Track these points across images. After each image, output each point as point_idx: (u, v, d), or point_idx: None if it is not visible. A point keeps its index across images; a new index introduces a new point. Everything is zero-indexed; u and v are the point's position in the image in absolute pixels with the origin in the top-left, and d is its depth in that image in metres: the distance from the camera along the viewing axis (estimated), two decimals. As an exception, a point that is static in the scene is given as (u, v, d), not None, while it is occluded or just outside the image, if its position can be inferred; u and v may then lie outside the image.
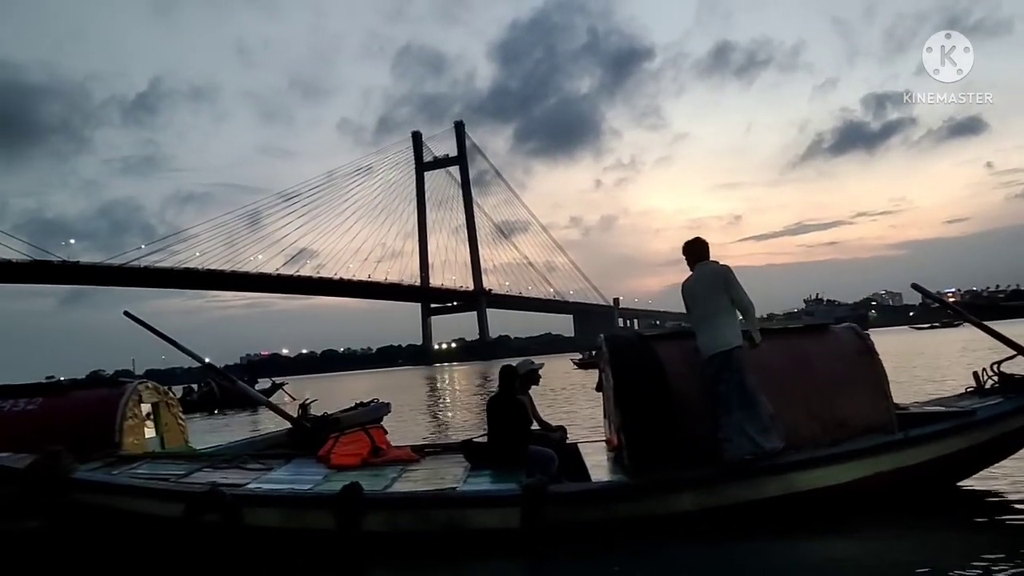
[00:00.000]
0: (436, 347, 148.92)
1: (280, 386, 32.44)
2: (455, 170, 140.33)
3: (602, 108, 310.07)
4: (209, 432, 16.52)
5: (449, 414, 20.20)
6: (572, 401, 18.22)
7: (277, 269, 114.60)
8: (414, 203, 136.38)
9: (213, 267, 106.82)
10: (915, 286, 7.31)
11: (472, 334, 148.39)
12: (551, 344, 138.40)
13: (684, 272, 5.62)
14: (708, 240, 5.60)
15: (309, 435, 8.21)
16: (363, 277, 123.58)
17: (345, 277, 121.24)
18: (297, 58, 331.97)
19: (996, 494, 5.62)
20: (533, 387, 6.69)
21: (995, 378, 6.12)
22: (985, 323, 6.51)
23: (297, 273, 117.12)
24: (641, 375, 5.45)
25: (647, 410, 5.30)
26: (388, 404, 10.64)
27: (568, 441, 6.58)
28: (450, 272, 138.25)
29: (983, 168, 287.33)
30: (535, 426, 6.48)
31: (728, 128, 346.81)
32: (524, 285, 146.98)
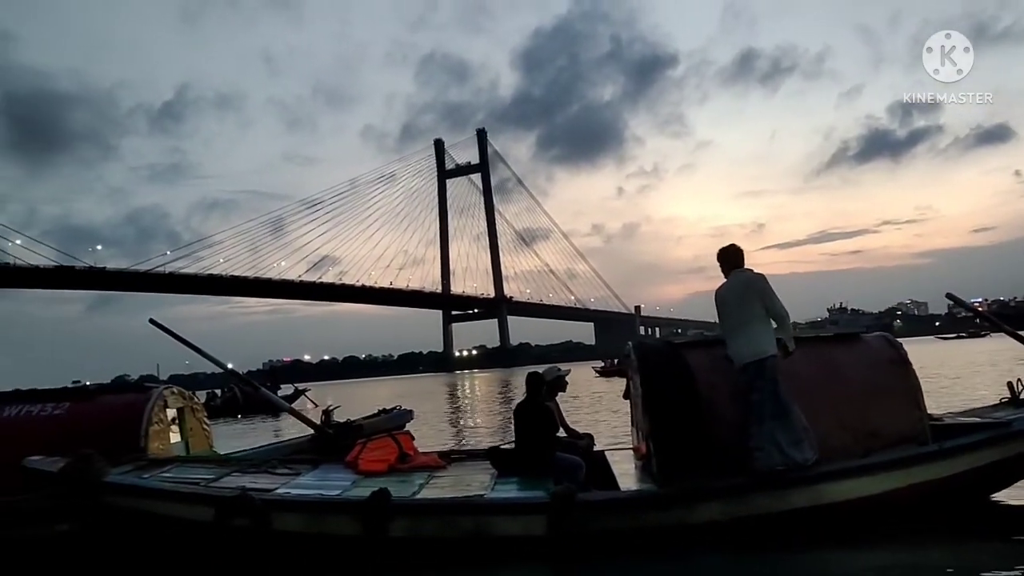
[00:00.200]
0: (457, 354, 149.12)
1: (302, 392, 32.53)
2: (477, 177, 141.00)
3: (625, 115, 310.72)
4: (233, 437, 16.62)
5: (471, 421, 20.18)
6: (596, 409, 18.13)
7: (300, 276, 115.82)
8: (436, 210, 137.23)
9: (237, 273, 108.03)
10: (950, 296, 7.20)
11: (493, 341, 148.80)
12: (572, 352, 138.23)
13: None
14: None
15: (332, 441, 8.22)
16: (385, 284, 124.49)
17: (367, 284, 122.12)
18: (322, 66, 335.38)
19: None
20: (560, 394, 6.65)
21: None
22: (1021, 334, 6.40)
23: (320, 280, 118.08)
24: (670, 383, 5.41)
25: (676, 419, 5.25)
26: (411, 411, 10.60)
27: (595, 449, 6.54)
28: (471, 279, 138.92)
29: (1011, 176, 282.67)
30: (562, 433, 6.45)
31: (752, 136, 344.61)
32: (545, 292, 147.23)
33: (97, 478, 5.02)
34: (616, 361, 47.77)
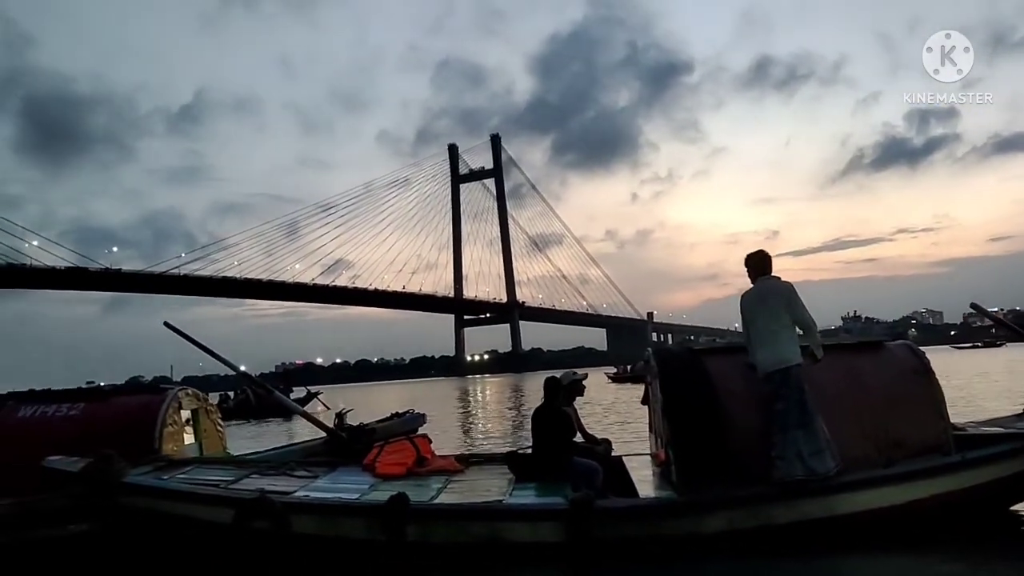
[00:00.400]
0: (469, 359, 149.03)
1: (315, 395, 32.61)
2: (491, 182, 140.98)
3: (640, 121, 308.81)
4: (245, 439, 16.66)
5: (483, 425, 20.15)
6: (609, 415, 18.04)
7: (313, 279, 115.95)
8: (449, 215, 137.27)
9: (251, 276, 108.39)
10: (975, 306, 7.12)
11: (505, 346, 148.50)
12: (584, 358, 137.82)
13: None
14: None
15: (345, 445, 8.22)
16: (398, 288, 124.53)
17: (380, 288, 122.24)
18: (338, 71, 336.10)
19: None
20: (577, 398, 6.63)
21: None
22: None
23: (333, 283, 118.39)
24: (690, 390, 5.37)
25: (696, 426, 5.21)
26: (423, 415, 10.60)
27: (612, 454, 6.51)
28: (484, 284, 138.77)
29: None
30: (579, 438, 6.42)
31: (767, 142, 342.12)
32: (557, 298, 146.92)
33: (117, 479, 5.05)
34: (630, 367, 47.64)
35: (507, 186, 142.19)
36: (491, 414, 25.39)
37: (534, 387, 44.33)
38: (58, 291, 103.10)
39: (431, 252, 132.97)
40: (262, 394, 25.50)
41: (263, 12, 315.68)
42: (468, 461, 6.57)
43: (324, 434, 8.73)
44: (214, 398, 8.03)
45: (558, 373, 6.76)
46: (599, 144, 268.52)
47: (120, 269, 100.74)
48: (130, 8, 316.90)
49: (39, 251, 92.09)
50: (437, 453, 6.76)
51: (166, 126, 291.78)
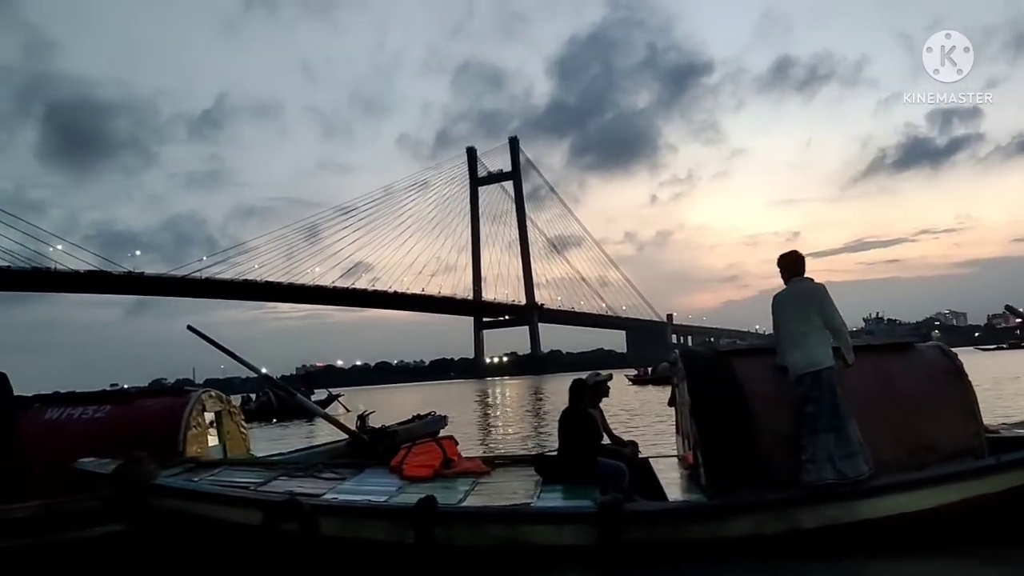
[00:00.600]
0: (488, 361, 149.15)
1: (336, 397, 32.79)
2: (509, 185, 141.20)
3: (659, 123, 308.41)
4: (268, 441, 16.72)
5: (504, 427, 20.14)
6: (633, 418, 17.96)
7: (333, 282, 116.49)
8: (468, 218, 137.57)
9: (271, 279, 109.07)
10: (1009, 308, 7.00)
11: (524, 348, 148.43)
12: (603, 360, 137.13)
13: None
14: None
15: (367, 447, 8.23)
16: (417, 290, 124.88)
17: (399, 290, 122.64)
18: (358, 75, 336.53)
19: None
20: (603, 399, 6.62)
21: None
22: None
23: (353, 286, 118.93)
24: (719, 392, 5.33)
25: (725, 428, 5.18)
26: (445, 417, 10.64)
27: (639, 456, 6.50)
28: (503, 286, 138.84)
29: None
30: (606, 440, 6.41)
31: (787, 143, 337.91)
32: (576, 300, 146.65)
33: (148, 480, 5.08)
34: (651, 370, 47.43)
35: (526, 188, 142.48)
36: (511, 416, 25.38)
37: (553, 389, 44.31)
38: (82, 294, 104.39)
39: (450, 254, 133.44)
40: (284, 396, 25.67)
41: (284, 17, 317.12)
42: (494, 463, 6.57)
43: (346, 436, 8.75)
44: (235, 400, 8.07)
45: (584, 375, 6.74)
46: (618, 146, 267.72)
47: (143, 273, 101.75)
48: (153, 14, 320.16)
49: (63, 255, 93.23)
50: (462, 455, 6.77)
51: (188, 131, 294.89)
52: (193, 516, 4.98)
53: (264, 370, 9.84)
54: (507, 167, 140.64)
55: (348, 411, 24.45)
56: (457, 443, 6.65)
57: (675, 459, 6.75)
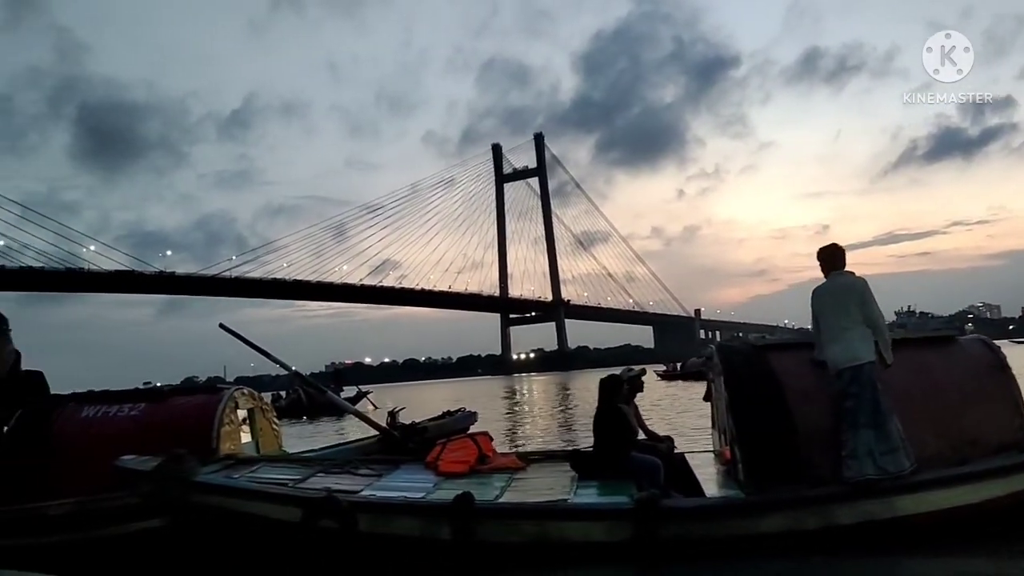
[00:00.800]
0: (515, 357, 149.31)
1: (365, 394, 32.93)
2: (534, 181, 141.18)
3: (686, 117, 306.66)
4: (299, 438, 16.83)
5: (532, 423, 20.09)
6: (663, 413, 17.84)
7: (361, 280, 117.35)
8: (494, 214, 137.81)
9: (300, 277, 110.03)
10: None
11: (550, 344, 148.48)
12: (631, 356, 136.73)
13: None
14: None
15: (398, 443, 8.25)
16: (444, 287, 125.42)
17: (426, 287, 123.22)
18: (385, 73, 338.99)
19: None
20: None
21: None
22: None
23: (380, 283, 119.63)
24: (756, 387, 5.30)
25: (763, 424, 5.13)
26: (475, 413, 10.65)
27: (675, 451, 6.46)
28: (529, 283, 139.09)
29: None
30: (642, 436, 6.41)
31: (816, 136, 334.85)
32: (603, 296, 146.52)
33: (188, 477, 5.13)
34: (679, 365, 47.19)
35: (552, 185, 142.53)
36: (539, 412, 25.35)
37: (581, 385, 44.21)
38: (114, 294, 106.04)
39: (476, 251, 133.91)
40: (314, 394, 25.86)
41: (310, 17, 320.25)
42: (529, 459, 6.56)
43: (377, 433, 8.78)
44: (266, 398, 8.11)
45: (613, 371, 6.72)
46: (645, 141, 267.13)
47: (173, 272, 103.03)
48: (182, 16, 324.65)
49: (96, 256, 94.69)
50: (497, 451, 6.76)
51: (217, 131, 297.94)
52: (233, 512, 5.02)
53: (293, 367, 9.89)
54: (533, 163, 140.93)
55: (376, 408, 24.56)
56: (492, 439, 6.64)
57: (711, 454, 6.73)
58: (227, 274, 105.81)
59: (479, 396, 41.30)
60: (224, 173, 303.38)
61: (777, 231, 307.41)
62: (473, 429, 9.00)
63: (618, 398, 6.20)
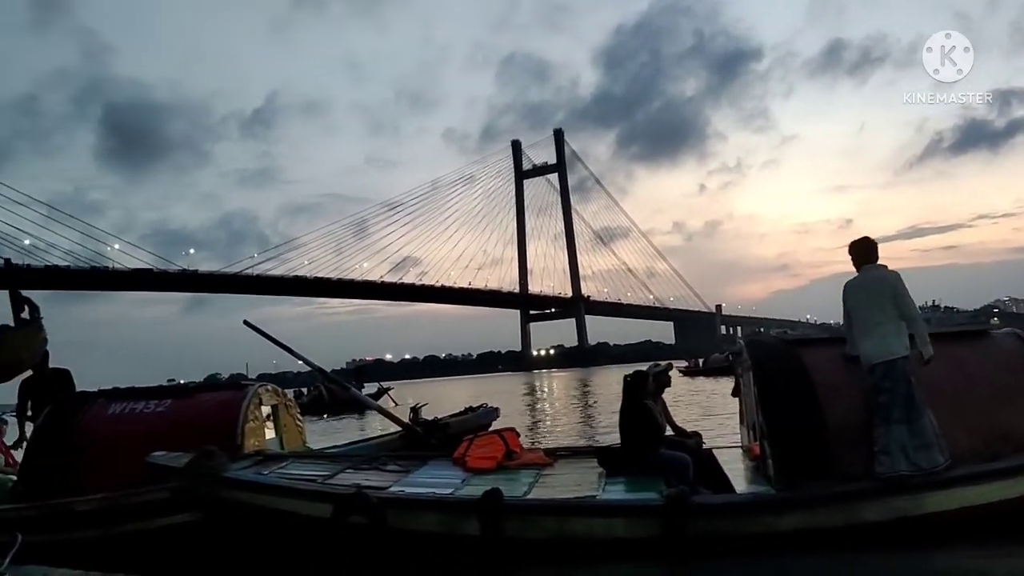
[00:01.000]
0: (535, 353, 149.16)
1: (386, 391, 33.05)
2: (554, 177, 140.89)
3: (707, 111, 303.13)
4: (321, 435, 16.92)
5: (553, 419, 20.08)
6: (686, 408, 17.76)
7: (382, 277, 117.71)
8: (514, 211, 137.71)
9: (321, 275, 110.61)
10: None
11: (570, 341, 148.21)
12: (651, 352, 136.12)
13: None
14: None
15: (420, 439, 8.25)
16: (464, 284, 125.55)
17: (446, 284, 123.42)
18: (405, 71, 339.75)
19: None
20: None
21: None
22: None
23: (401, 280, 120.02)
24: (786, 382, 5.25)
25: (794, 419, 5.08)
26: (497, 409, 10.62)
27: (703, 447, 6.45)
28: (549, 279, 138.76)
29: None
30: (669, 431, 6.38)
31: (839, 129, 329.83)
32: (623, 292, 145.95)
33: (219, 473, 5.17)
34: (702, 361, 46.96)
35: (571, 180, 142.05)
36: (560, 408, 25.32)
37: (601, 381, 44.10)
38: (139, 292, 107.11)
39: (496, 248, 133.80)
40: (336, 390, 26.02)
41: (331, 16, 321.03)
42: (556, 455, 6.56)
43: (399, 429, 8.78)
44: (288, 395, 8.14)
45: (638, 367, 6.69)
46: (665, 135, 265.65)
47: (196, 270, 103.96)
48: (205, 17, 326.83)
49: (121, 254, 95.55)
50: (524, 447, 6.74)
51: (239, 130, 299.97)
52: (263, 508, 5.06)
53: (318, 364, 9.92)
54: (552, 159, 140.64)
55: (396, 404, 24.60)
56: (519, 435, 6.65)
57: (738, 450, 6.69)
58: (249, 272, 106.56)
59: (499, 392, 41.26)
60: (246, 172, 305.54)
61: (799, 225, 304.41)
62: (495, 425, 8.99)
63: (644, 394, 6.17)
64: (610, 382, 37.54)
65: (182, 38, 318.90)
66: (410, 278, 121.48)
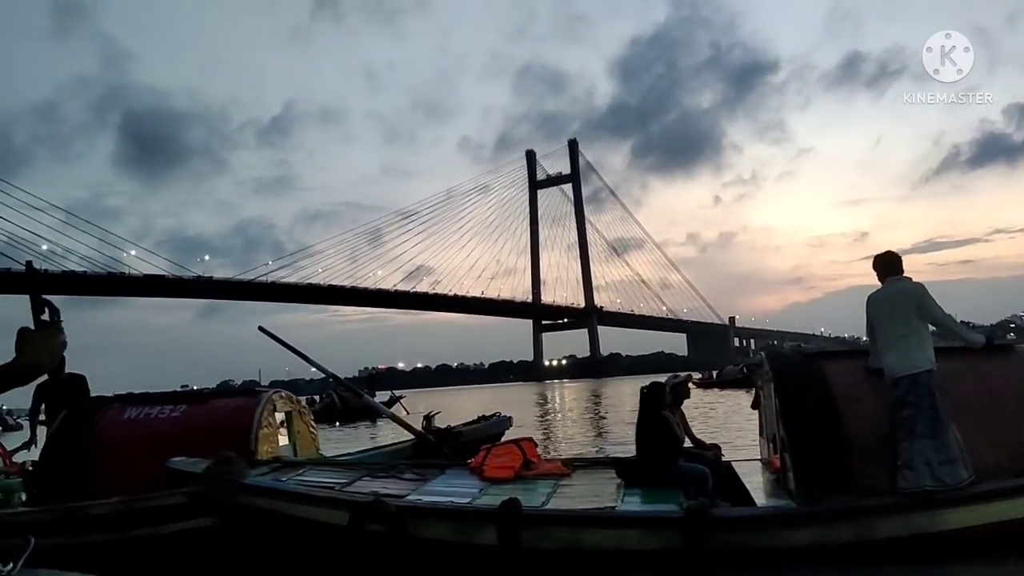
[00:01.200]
0: (547, 363, 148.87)
1: (398, 399, 33.04)
2: (568, 188, 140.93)
3: (723, 123, 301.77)
4: (334, 442, 16.90)
5: (565, 429, 20.00)
6: (701, 421, 17.64)
7: (395, 285, 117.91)
8: (527, 221, 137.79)
9: (335, 283, 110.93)
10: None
11: (583, 351, 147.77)
12: (664, 363, 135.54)
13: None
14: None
15: (433, 447, 8.21)
16: (477, 293, 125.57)
17: (460, 293, 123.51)
18: (421, 80, 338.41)
19: None
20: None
21: None
22: None
23: (414, 289, 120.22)
24: (808, 395, 5.21)
25: (815, 433, 5.05)
26: (510, 418, 10.56)
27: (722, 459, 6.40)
28: (562, 289, 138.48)
29: None
30: (688, 443, 6.34)
31: (856, 142, 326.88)
32: (636, 303, 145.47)
33: (237, 479, 5.16)
34: (715, 373, 46.76)
35: (585, 191, 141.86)
36: (572, 418, 25.26)
37: (613, 392, 43.96)
38: (155, 298, 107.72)
39: (509, 257, 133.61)
40: (348, 398, 26.03)
41: (349, 25, 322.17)
42: (574, 465, 6.51)
43: (412, 437, 8.75)
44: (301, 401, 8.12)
45: (661, 378, 6.65)
46: (681, 147, 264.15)
47: (211, 277, 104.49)
48: (224, 25, 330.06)
49: (137, 261, 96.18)
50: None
51: (256, 138, 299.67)
52: (281, 515, 5.05)
53: (332, 371, 9.90)
54: (567, 170, 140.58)
55: (408, 413, 24.58)
56: (536, 444, 6.63)
57: (758, 463, 6.66)
58: (263, 279, 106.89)
59: (512, 402, 41.16)
60: (263, 179, 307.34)
61: (815, 238, 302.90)
62: (507, 435, 8.94)
63: (661, 405, 6.13)
64: (622, 393, 37.42)
65: (201, 46, 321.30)
66: (423, 287, 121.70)
